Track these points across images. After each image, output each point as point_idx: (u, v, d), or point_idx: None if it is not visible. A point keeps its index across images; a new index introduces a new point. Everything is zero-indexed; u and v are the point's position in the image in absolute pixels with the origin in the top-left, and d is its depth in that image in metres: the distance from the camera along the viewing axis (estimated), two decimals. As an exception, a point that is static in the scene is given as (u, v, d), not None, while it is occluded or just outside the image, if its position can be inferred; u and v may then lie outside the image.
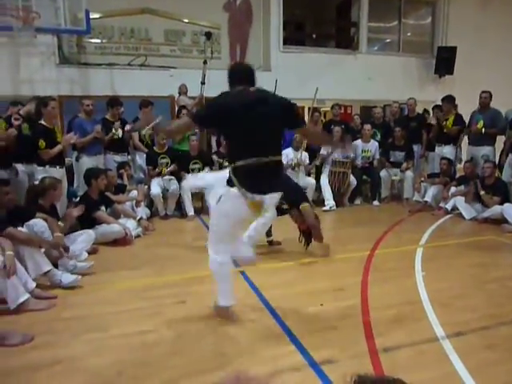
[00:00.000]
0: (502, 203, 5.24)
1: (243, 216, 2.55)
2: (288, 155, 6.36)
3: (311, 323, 2.66)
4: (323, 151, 6.44)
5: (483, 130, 5.98)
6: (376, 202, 6.61)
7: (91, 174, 4.57)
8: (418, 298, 3.05)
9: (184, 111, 6.32)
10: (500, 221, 5.16)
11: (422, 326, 2.63)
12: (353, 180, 6.41)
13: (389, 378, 0.89)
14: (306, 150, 6.45)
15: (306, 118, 7.52)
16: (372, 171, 6.68)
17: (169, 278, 3.52)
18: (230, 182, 2.42)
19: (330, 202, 6.21)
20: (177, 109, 6.76)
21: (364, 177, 6.72)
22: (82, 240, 3.91)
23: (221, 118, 2.37)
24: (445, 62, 9.77)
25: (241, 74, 2.55)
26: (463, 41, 9.63)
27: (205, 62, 6.99)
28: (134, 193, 5.27)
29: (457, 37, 9.80)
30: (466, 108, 6.66)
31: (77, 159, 5.46)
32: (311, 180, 6.50)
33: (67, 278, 3.29)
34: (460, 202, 5.67)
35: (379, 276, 3.51)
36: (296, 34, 9.96)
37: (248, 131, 2.36)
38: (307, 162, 6.47)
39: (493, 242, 4.63)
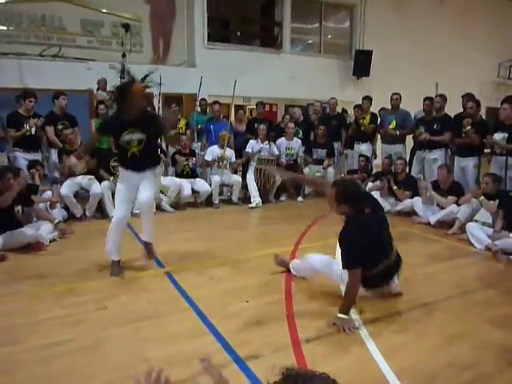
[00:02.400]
0: (412, 197, 5.70)
1: None
2: (213, 152, 6.36)
3: (236, 320, 2.67)
4: (248, 149, 6.51)
5: (397, 132, 6.45)
6: (300, 198, 6.84)
7: None
8: (338, 289, 3.20)
9: (102, 106, 6.03)
10: (411, 213, 5.62)
11: (341, 315, 2.77)
12: (278, 177, 6.55)
13: (314, 371, 0.92)
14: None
15: (233, 116, 7.59)
16: (296, 168, 6.89)
17: (89, 284, 3.32)
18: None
19: (256, 198, 6.30)
20: (95, 104, 6.43)
21: (288, 174, 6.89)
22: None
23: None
24: (362, 65, 10.38)
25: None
26: (378, 45, 10.30)
27: (123, 56, 6.71)
28: (48, 194, 4.90)
29: (373, 41, 10.46)
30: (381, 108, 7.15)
31: None
32: (237, 177, 6.55)
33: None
34: (376, 196, 6.05)
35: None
36: (221, 31, 9.95)
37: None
38: (233, 159, 6.50)
39: (405, 233, 5.00)
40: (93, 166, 5.49)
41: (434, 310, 2.88)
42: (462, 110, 6.01)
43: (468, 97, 5.98)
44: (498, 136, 5.00)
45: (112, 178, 5.49)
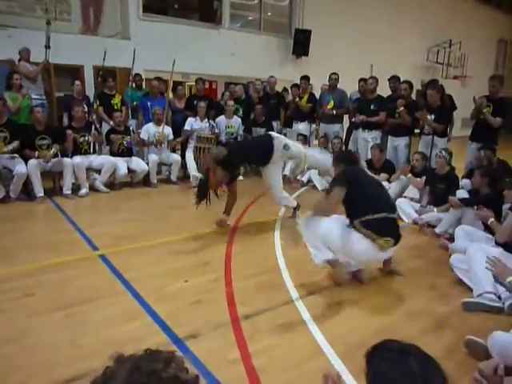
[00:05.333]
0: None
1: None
2: (149, 130, 6.13)
3: (175, 300, 2.64)
4: (187, 127, 6.34)
5: (334, 111, 6.61)
6: (240, 177, 6.81)
7: None
8: (277, 265, 3.27)
9: (16, 76, 5.45)
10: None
11: (279, 290, 2.82)
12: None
13: None
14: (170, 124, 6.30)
15: (171, 93, 7.32)
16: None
17: (14, 270, 3.09)
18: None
19: (195, 178, 6.19)
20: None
21: (228, 152, 6.82)
22: None
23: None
24: (301, 44, 10.43)
25: None
26: (318, 25, 10.37)
27: (48, 23, 6.14)
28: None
29: (312, 21, 10.51)
30: (319, 88, 7.27)
31: None
32: (176, 156, 6.38)
33: None
34: (314, 174, 6.22)
35: (242, 247, 3.65)
36: (157, 2, 9.47)
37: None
38: (171, 137, 6.32)
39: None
40: (16, 145, 5.04)
41: (365, 281, 3.03)
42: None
43: (394, 79, 6.26)
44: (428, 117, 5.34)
45: (37, 153, 5.07)
